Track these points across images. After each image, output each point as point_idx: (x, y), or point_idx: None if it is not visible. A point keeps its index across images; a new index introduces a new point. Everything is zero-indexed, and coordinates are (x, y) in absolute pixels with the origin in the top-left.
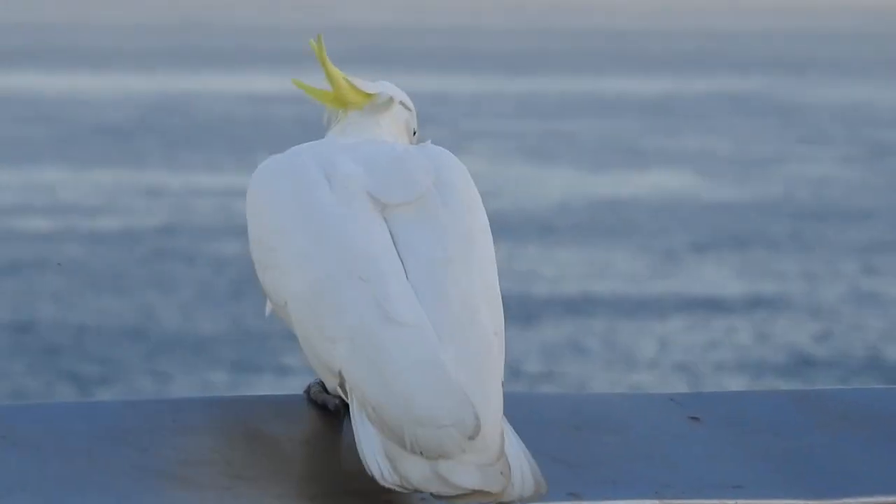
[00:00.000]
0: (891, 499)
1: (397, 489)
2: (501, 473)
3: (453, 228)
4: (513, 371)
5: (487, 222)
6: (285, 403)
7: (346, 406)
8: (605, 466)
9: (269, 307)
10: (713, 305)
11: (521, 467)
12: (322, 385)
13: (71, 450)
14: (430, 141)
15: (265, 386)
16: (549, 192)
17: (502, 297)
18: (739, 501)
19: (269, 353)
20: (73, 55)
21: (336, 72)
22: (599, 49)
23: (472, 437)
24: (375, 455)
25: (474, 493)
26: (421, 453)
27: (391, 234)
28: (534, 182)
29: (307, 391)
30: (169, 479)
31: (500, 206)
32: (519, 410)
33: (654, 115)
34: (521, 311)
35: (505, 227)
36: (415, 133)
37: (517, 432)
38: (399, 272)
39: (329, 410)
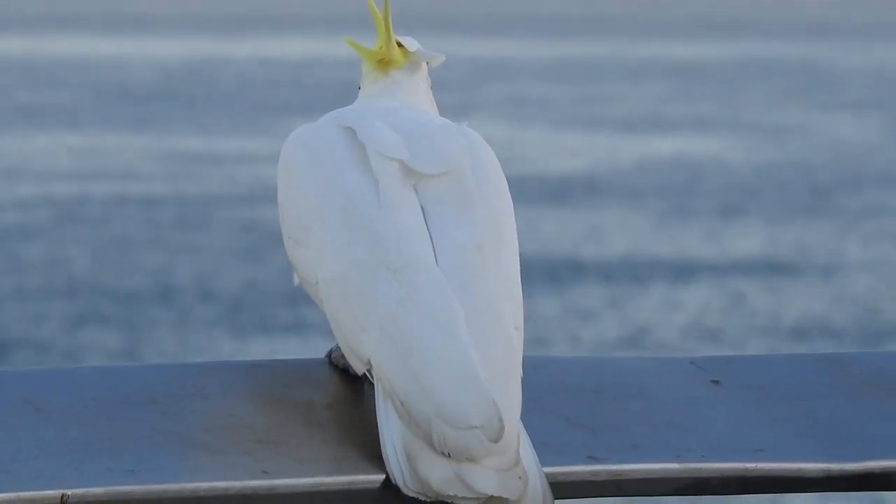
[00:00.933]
0: None
1: (420, 497)
2: (519, 478)
3: (483, 213)
4: (542, 339)
5: (513, 210)
6: (307, 367)
7: (368, 370)
8: (624, 430)
9: (296, 278)
10: (736, 269)
11: (537, 474)
12: None
13: (93, 415)
14: (466, 123)
15: (287, 350)
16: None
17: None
18: (760, 465)
19: (290, 317)
20: (117, 22)
21: (390, 30)
22: (630, 14)
23: (496, 441)
24: (398, 457)
25: (492, 499)
26: (448, 454)
27: (422, 208)
28: (555, 145)
29: (329, 355)
30: (190, 444)
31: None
32: (537, 374)
33: (684, 80)
34: (546, 273)
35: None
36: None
37: (536, 397)
38: (429, 260)
39: (350, 374)
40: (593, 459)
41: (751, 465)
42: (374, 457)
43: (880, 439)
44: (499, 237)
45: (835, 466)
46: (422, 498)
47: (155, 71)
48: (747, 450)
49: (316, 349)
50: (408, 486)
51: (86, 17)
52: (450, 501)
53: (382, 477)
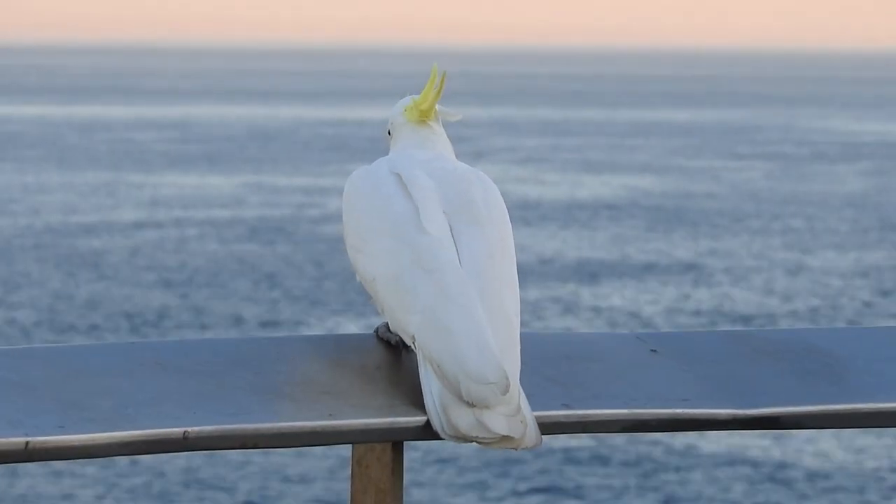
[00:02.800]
0: (793, 408)
1: (454, 441)
2: (521, 422)
3: (492, 231)
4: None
5: (511, 231)
6: (361, 339)
7: (405, 343)
8: (588, 385)
9: (358, 277)
10: (658, 271)
11: (531, 419)
12: (387, 326)
13: (203, 372)
14: (478, 168)
15: (348, 326)
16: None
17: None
18: (685, 410)
19: (350, 306)
20: (223, 93)
21: (440, 93)
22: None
23: (504, 393)
24: (436, 409)
25: (503, 438)
26: (472, 404)
27: (450, 227)
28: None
29: (376, 331)
30: (275, 395)
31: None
32: (524, 345)
33: (633, 136)
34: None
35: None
36: None
37: (524, 362)
38: (455, 264)
39: (392, 345)
40: (565, 406)
41: (679, 411)
42: (410, 404)
43: (770, 392)
44: (503, 248)
45: (739, 412)
46: (454, 440)
47: (256, 129)
48: (676, 399)
49: (367, 326)
50: (445, 431)
51: (209, 89)
52: (475, 440)
53: (417, 419)
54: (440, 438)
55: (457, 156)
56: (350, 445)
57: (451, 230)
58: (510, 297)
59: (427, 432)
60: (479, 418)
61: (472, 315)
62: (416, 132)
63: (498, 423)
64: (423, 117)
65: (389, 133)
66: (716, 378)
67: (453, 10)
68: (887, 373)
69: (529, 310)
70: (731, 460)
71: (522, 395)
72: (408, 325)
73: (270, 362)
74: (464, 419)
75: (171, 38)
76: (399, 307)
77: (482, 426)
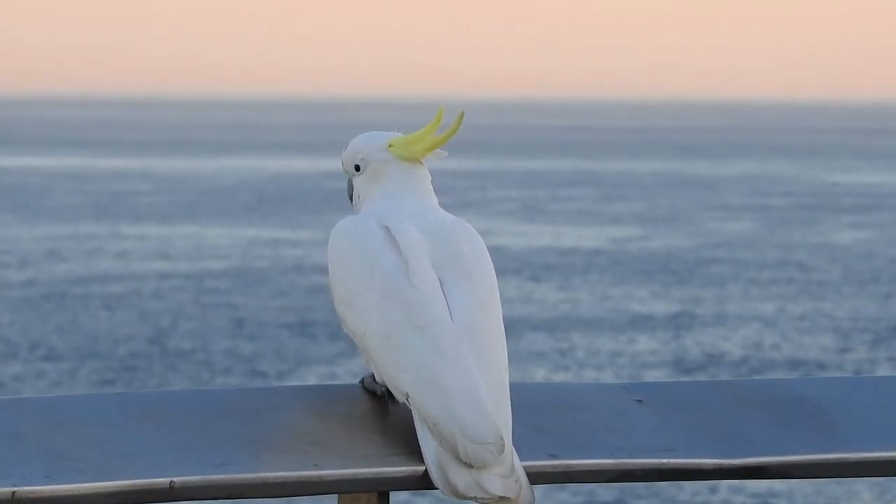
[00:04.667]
0: (780, 458)
1: (453, 497)
2: (516, 482)
3: (481, 285)
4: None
5: (497, 283)
6: (347, 390)
7: (391, 393)
8: (574, 435)
9: (344, 327)
10: (644, 321)
11: (525, 478)
12: (373, 376)
13: (189, 422)
14: (464, 219)
15: (332, 378)
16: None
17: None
18: (671, 460)
19: (338, 357)
20: (209, 145)
21: (446, 139)
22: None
23: (500, 453)
24: (435, 467)
25: (500, 499)
26: (468, 463)
27: (441, 283)
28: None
29: (362, 381)
30: (261, 445)
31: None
32: (513, 394)
33: (612, 188)
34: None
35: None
36: None
37: (511, 411)
38: (446, 318)
39: (378, 396)
40: (552, 456)
41: (664, 460)
42: (396, 454)
43: (757, 441)
44: (492, 303)
45: (725, 461)
46: (453, 498)
47: (245, 181)
48: (662, 449)
49: (353, 378)
50: (443, 489)
51: (215, 142)
52: (473, 499)
53: (403, 469)
54: (426, 488)
55: (442, 206)
56: (336, 495)
57: (440, 284)
58: (500, 350)
59: (413, 482)
60: (476, 479)
61: (467, 373)
62: (407, 171)
63: (494, 484)
64: (420, 155)
65: (358, 168)
66: (702, 427)
67: (443, 60)
68: (875, 422)
69: (515, 360)
70: None
71: (514, 452)
72: (400, 383)
73: (256, 412)
74: (461, 479)
75: (158, 91)
76: (391, 363)
77: (479, 487)
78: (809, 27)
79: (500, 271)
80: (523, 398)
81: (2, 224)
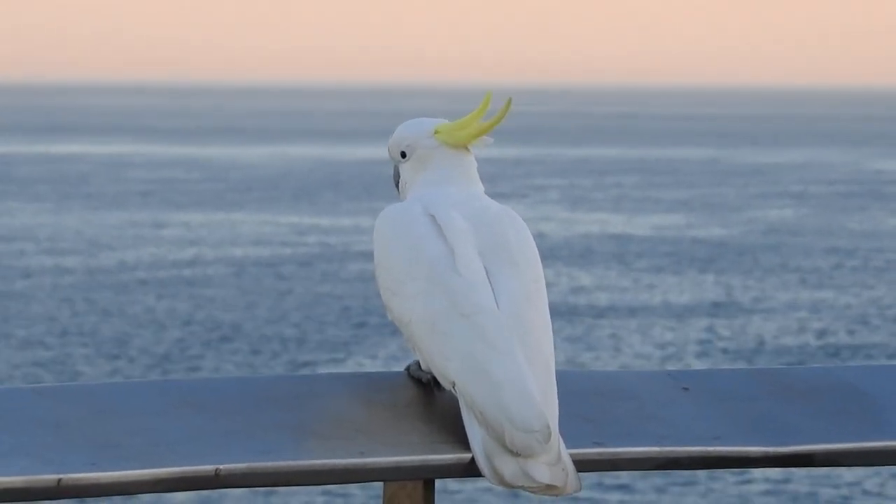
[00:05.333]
0: (827, 446)
1: (500, 486)
2: (563, 470)
3: (526, 271)
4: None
5: (542, 269)
6: (392, 377)
7: (437, 381)
8: (620, 423)
9: (389, 315)
10: (690, 309)
11: (572, 466)
12: (418, 364)
13: (234, 410)
14: (509, 207)
15: (378, 365)
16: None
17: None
18: (717, 448)
19: (384, 344)
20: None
21: (493, 126)
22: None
23: (547, 441)
24: (482, 456)
25: (548, 487)
26: (516, 452)
27: (487, 271)
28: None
29: (407, 369)
30: (306, 433)
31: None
32: (557, 382)
33: (657, 174)
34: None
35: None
36: None
37: (558, 400)
38: (492, 307)
39: (423, 384)
40: (597, 444)
41: (710, 448)
42: (441, 442)
43: (804, 429)
44: (538, 291)
45: (771, 449)
46: (501, 487)
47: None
48: (708, 437)
49: (399, 365)
50: (490, 477)
51: (255, 130)
52: (520, 488)
53: (448, 456)
54: (472, 476)
55: (488, 194)
56: (381, 483)
57: (486, 272)
58: (546, 338)
59: (459, 469)
60: (524, 468)
61: (514, 361)
62: (453, 158)
63: (541, 472)
64: (466, 142)
65: (404, 155)
66: (748, 416)
67: (492, 46)
68: None
69: (559, 347)
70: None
71: (560, 440)
72: (447, 371)
73: (302, 400)
74: (508, 468)
75: (178, 78)
76: (437, 352)
77: (527, 476)
78: (855, 16)
79: (545, 258)
80: (567, 386)
81: (49, 211)
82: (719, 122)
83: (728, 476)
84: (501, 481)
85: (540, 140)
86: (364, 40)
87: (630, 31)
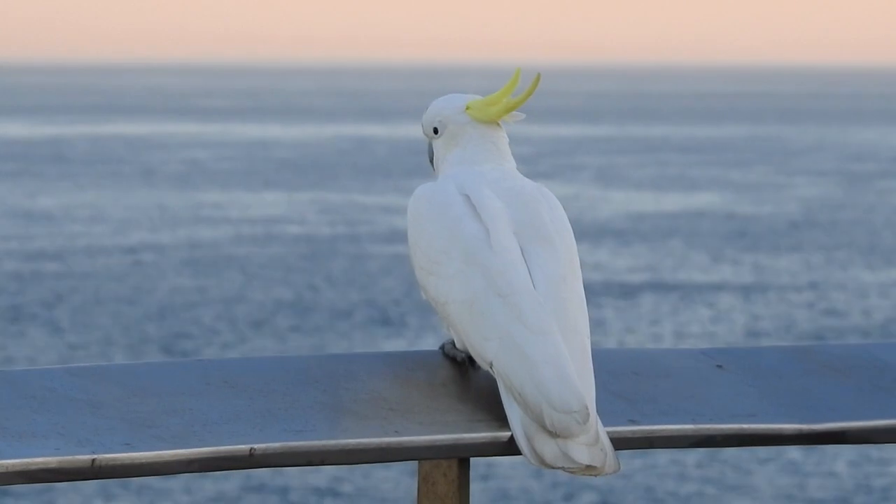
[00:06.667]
0: (861, 423)
1: (540, 467)
2: (601, 450)
3: (562, 252)
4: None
5: (576, 249)
6: (427, 356)
7: (472, 359)
8: (655, 401)
9: (423, 294)
10: (725, 287)
11: (610, 446)
12: (453, 343)
13: (269, 389)
14: (543, 185)
15: (412, 344)
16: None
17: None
18: (752, 425)
19: (418, 323)
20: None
21: (523, 101)
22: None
23: (585, 422)
24: (521, 437)
25: (587, 467)
26: (555, 433)
27: (522, 250)
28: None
29: (442, 348)
30: (341, 412)
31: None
32: (594, 361)
33: (694, 152)
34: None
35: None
36: None
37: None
38: (529, 287)
39: (458, 363)
40: (632, 422)
41: (745, 426)
42: (476, 421)
43: (837, 406)
44: (573, 269)
45: (805, 426)
46: (541, 468)
47: (315, 147)
48: (743, 414)
49: (434, 344)
50: (530, 458)
51: (278, 108)
52: (560, 469)
53: (483, 435)
54: (508, 454)
55: (521, 171)
56: (416, 462)
57: (522, 252)
58: (582, 319)
59: (495, 448)
60: (563, 449)
61: (551, 342)
62: (485, 134)
63: (580, 453)
64: (496, 118)
65: (437, 131)
66: (782, 393)
67: (504, 28)
68: None
69: (594, 326)
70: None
71: (599, 421)
72: (484, 351)
73: (336, 379)
74: (548, 449)
75: (202, 57)
76: (474, 332)
77: (566, 457)
78: None
79: (580, 237)
80: (602, 364)
81: (108, 188)
82: (758, 99)
83: (760, 452)
84: (542, 462)
85: (579, 118)
86: (400, 20)
87: (677, 7)
